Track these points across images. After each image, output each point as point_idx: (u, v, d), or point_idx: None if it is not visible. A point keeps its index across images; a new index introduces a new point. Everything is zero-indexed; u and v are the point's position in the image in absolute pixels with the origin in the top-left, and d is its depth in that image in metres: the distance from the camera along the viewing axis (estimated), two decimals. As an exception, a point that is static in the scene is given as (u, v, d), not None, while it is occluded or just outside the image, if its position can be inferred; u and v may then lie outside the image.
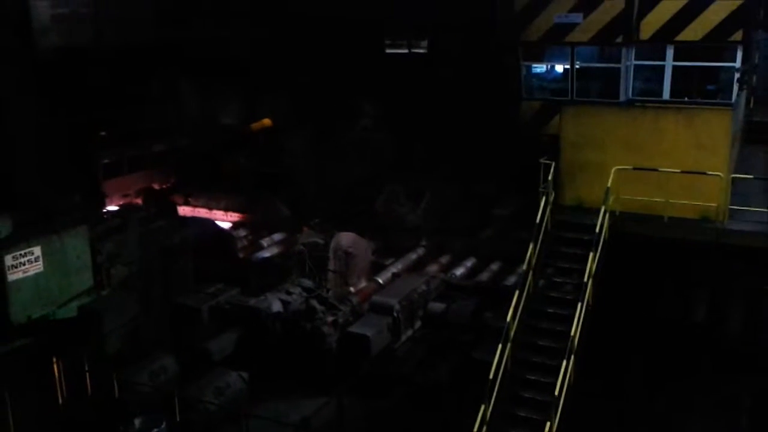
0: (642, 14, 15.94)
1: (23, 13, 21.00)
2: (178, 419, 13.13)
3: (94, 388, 14.10)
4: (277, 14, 26.18)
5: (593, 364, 12.35)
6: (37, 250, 15.69)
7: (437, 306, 16.69)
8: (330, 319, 16.10)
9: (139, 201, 26.83)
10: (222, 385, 14.28)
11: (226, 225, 24.57)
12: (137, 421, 12.73)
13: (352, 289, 18.32)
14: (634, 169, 13.27)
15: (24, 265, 15.48)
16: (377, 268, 19.96)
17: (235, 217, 25.29)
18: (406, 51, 27.53)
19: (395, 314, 16.47)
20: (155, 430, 12.60)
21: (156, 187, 27.67)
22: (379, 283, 18.96)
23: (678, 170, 13.00)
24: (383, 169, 24.82)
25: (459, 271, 19.79)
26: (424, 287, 17.79)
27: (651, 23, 16.17)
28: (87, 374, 14.10)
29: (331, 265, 18.23)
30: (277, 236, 22.84)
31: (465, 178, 22.58)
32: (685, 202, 13.08)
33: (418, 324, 17.23)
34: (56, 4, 21.75)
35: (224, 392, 14.19)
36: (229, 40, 26.45)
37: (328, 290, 17.51)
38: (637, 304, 13.47)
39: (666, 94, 16.21)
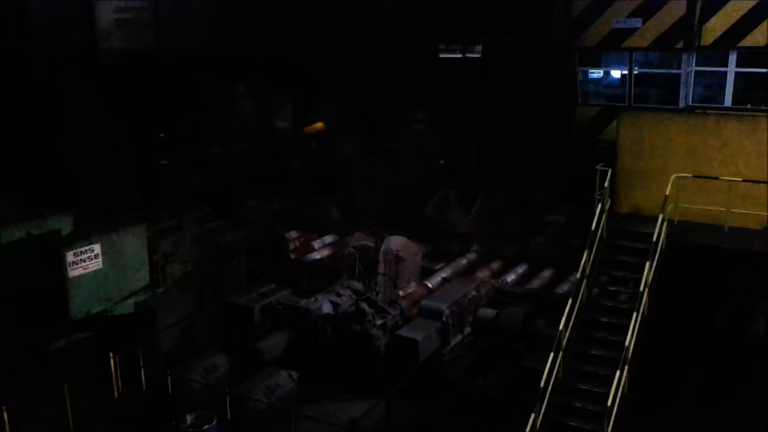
0: (704, 19, 15.62)
1: (88, 17, 21.62)
2: (228, 417, 13.32)
3: (148, 384, 14.44)
4: (334, 28, 26.39)
5: (647, 375, 12.11)
6: (97, 248, 16.10)
7: (487, 312, 16.54)
8: (379, 322, 16.14)
9: (195, 201, 27.32)
10: (272, 385, 14.41)
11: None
12: (189, 418, 12.94)
13: (401, 292, 18.30)
14: (694, 177, 12.98)
15: (84, 261, 15.91)
16: (427, 272, 19.90)
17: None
18: (459, 56, 27.43)
19: (444, 319, 16.40)
20: (206, 426, 12.76)
21: (212, 188, 28.13)
22: (429, 287, 18.89)
23: (740, 179, 12.67)
24: (435, 174, 24.77)
25: (510, 278, 19.59)
26: (474, 293, 17.68)
27: (713, 28, 15.81)
28: (142, 369, 14.44)
29: (381, 269, 18.24)
30: (327, 238, 22.99)
31: (518, 184, 22.37)
32: (746, 212, 12.73)
33: (467, 330, 17.13)
34: (120, 9, 22.31)
35: (274, 391, 14.32)
36: (285, 48, 26.78)
37: (377, 293, 17.54)
38: (695, 316, 13.15)
39: (728, 101, 15.83)
